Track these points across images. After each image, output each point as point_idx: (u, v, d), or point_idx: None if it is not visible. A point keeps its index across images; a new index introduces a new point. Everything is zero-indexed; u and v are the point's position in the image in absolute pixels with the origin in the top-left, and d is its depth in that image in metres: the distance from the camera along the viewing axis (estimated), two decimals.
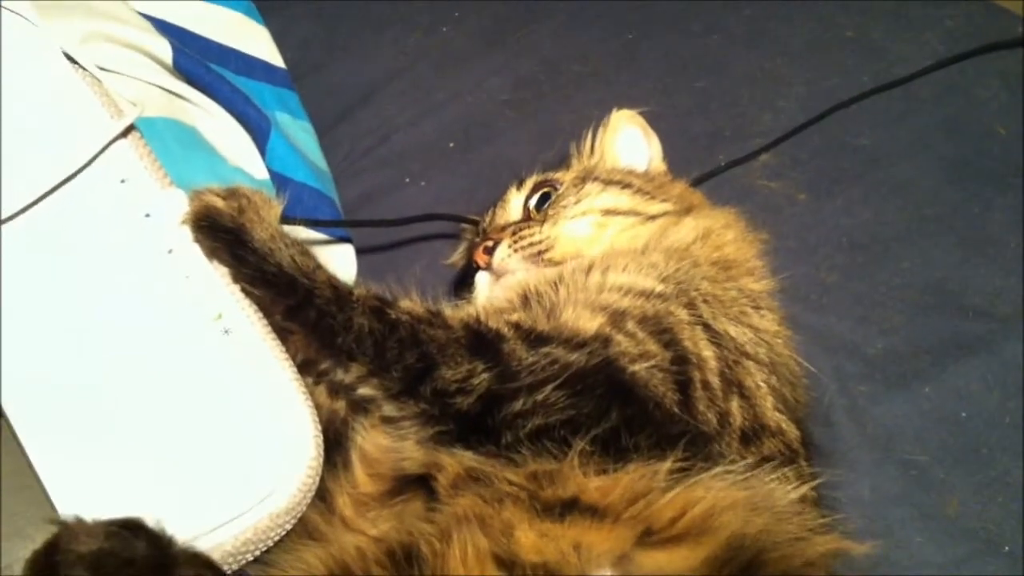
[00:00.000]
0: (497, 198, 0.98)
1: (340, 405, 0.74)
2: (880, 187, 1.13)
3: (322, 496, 0.70)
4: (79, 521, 0.53)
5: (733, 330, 0.77)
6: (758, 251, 0.90)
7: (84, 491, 0.62)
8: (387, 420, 0.70)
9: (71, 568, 0.50)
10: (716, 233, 0.88)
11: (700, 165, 1.15)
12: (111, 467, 0.64)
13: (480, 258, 0.87)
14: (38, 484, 0.61)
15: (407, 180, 1.16)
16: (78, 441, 0.64)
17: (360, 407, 0.72)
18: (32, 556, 0.51)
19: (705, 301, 0.78)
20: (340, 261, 1.01)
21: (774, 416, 0.75)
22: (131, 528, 0.53)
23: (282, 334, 0.70)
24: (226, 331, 0.69)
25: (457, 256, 1.05)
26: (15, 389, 0.64)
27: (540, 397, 0.66)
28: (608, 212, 0.89)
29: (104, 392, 0.66)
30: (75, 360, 0.66)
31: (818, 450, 0.79)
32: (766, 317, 0.82)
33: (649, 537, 0.61)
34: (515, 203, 0.95)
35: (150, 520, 0.55)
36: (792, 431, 0.76)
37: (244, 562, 0.65)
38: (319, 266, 0.70)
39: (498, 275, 0.86)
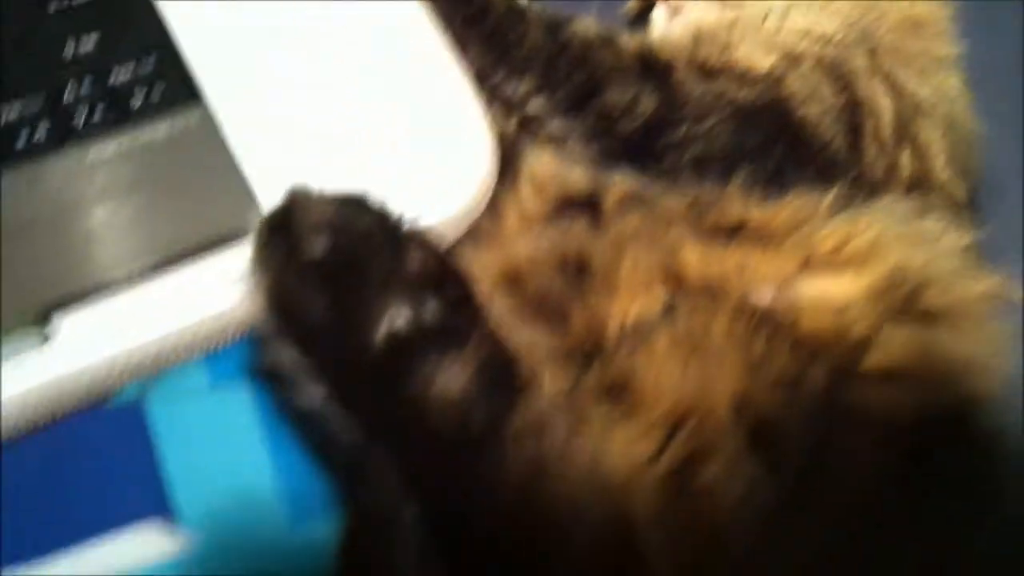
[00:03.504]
0: None
1: (510, 126, 0.76)
2: None
3: (489, 207, 0.73)
4: (311, 189, 0.52)
5: (913, 84, 0.75)
6: (950, 14, 0.86)
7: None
8: (552, 138, 0.72)
9: (308, 234, 0.49)
10: None
11: None
12: (301, 163, 0.66)
13: None
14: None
15: None
16: (274, 136, 0.67)
17: (528, 127, 0.74)
18: (267, 218, 0.51)
19: (887, 52, 0.75)
20: None
21: (943, 174, 0.74)
22: (358, 203, 0.52)
23: (460, 46, 0.72)
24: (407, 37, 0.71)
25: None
26: (213, 79, 0.68)
27: (704, 128, 0.67)
28: None
29: (293, 84, 0.69)
30: (273, 55, 0.70)
31: (984, 217, 0.77)
32: (948, 79, 0.79)
33: (811, 265, 0.63)
34: None
35: (374, 198, 0.53)
36: (960, 192, 0.75)
37: None
38: None
39: (675, 10, 0.84)
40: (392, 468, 0.46)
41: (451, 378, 0.45)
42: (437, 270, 0.49)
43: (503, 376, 0.47)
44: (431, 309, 0.47)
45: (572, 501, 0.46)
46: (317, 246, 0.48)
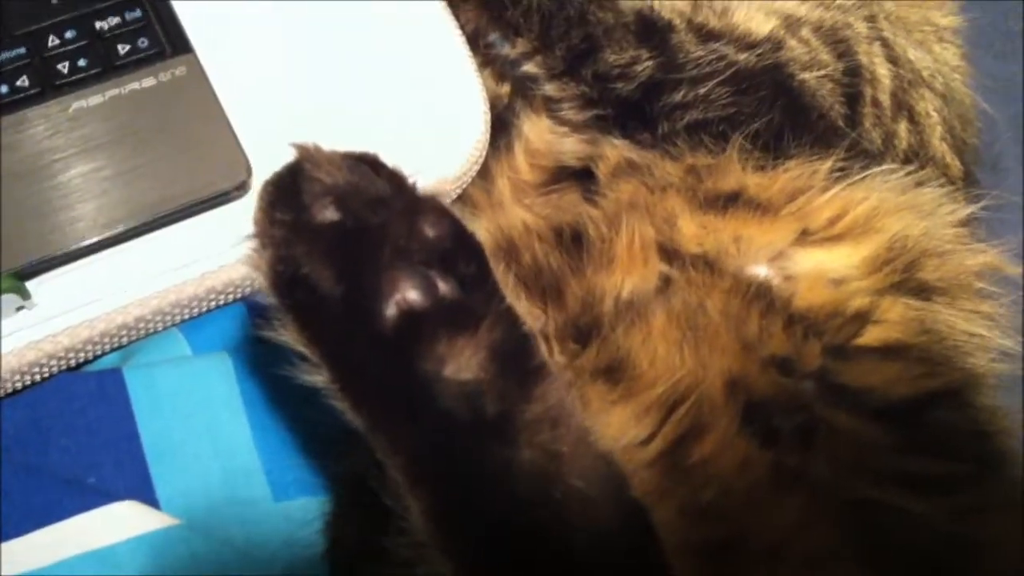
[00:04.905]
0: None
1: (505, 90, 0.74)
2: None
3: (483, 175, 0.71)
4: (319, 148, 0.46)
5: (912, 53, 0.74)
6: None
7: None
8: (547, 101, 0.70)
9: (317, 199, 0.45)
10: None
11: None
12: (291, 121, 0.64)
13: None
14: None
15: None
16: (265, 94, 0.66)
17: (524, 92, 0.72)
18: (274, 179, 0.46)
19: (887, 19, 0.74)
20: None
21: (940, 147, 0.74)
22: (369, 163, 0.47)
23: (454, 3, 0.71)
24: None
25: None
26: (203, 31, 0.66)
27: (703, 91, 0.65)
28: None
29: (285, 42, 0.68)
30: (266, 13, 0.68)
31: (979, 190, 0.77)
32: (948, 50, 0.79)
33: (807, 236, 0.62)
34: None
35: (386, 158, 0.48)
36: (956, 165, 0.74)
37: None
38: None
39: None
40: (396, 457, 0.43)
41: (465, 360, 0.42)
42: (455, 240, 0.44)
43: (519, 359, 0.43)
44: (447, 283, 0.43)
45: (585, 493, 0.44)
46: (327, 211, 0.44)
